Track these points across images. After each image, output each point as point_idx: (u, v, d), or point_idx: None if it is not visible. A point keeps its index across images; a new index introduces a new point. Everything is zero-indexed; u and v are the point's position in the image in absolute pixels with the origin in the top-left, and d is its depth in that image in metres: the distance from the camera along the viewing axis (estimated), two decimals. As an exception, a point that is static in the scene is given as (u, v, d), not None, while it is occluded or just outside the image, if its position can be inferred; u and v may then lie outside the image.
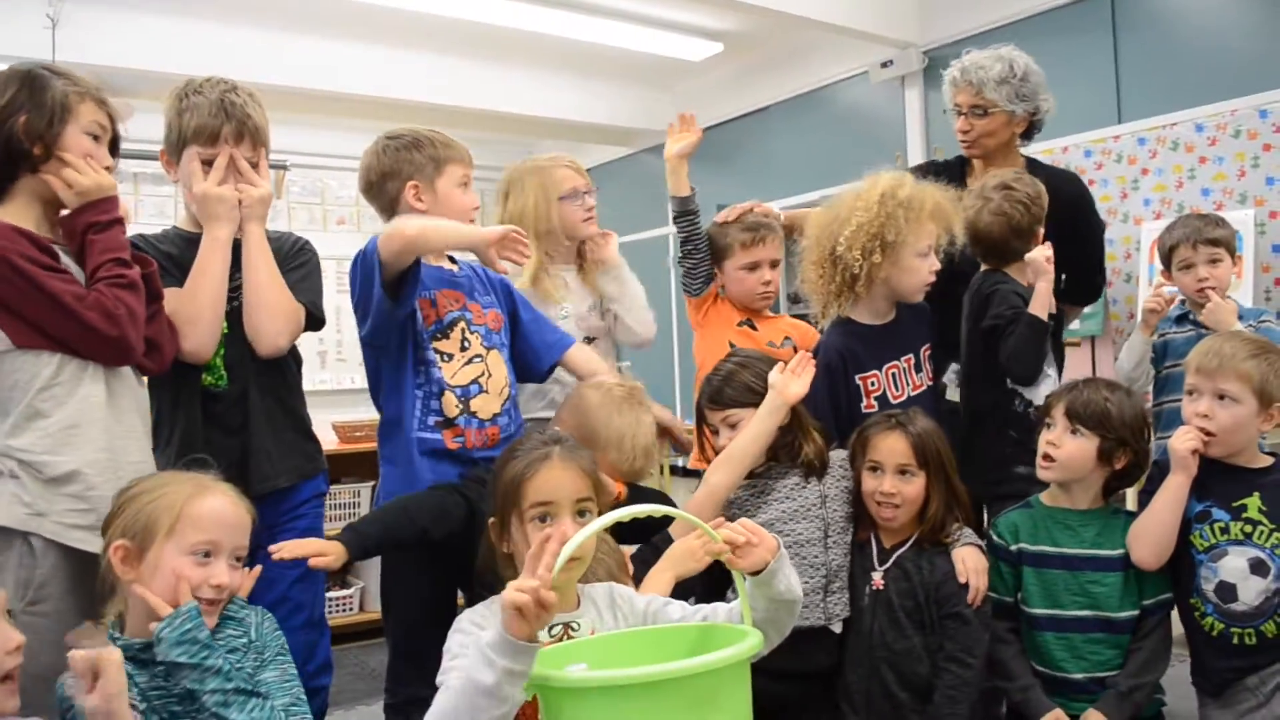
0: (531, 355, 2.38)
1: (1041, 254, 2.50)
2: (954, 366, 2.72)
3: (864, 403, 2.42)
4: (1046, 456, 2.17)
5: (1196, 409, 2.08)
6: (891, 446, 2.15)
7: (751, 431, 2.17)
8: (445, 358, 2.19)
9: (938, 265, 2.42)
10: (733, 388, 2.25)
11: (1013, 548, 2.20)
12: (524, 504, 1.66)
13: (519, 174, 2.70)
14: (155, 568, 1.60)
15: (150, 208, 7.40)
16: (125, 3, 5.64)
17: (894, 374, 2.44)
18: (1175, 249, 2.86)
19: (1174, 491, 2.06)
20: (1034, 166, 3.00)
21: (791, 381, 2.18)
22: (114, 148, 1.95)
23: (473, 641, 1.38)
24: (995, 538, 2.24)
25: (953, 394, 2.73)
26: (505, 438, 2.20)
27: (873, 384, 2.43)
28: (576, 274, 2.74)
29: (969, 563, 2.12)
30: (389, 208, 2.29)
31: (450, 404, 2.16)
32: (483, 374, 2.22)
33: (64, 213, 1.87)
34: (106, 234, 1.83)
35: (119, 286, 1.80)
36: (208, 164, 2.09)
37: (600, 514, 1.72)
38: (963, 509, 2.21)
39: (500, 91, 7.01)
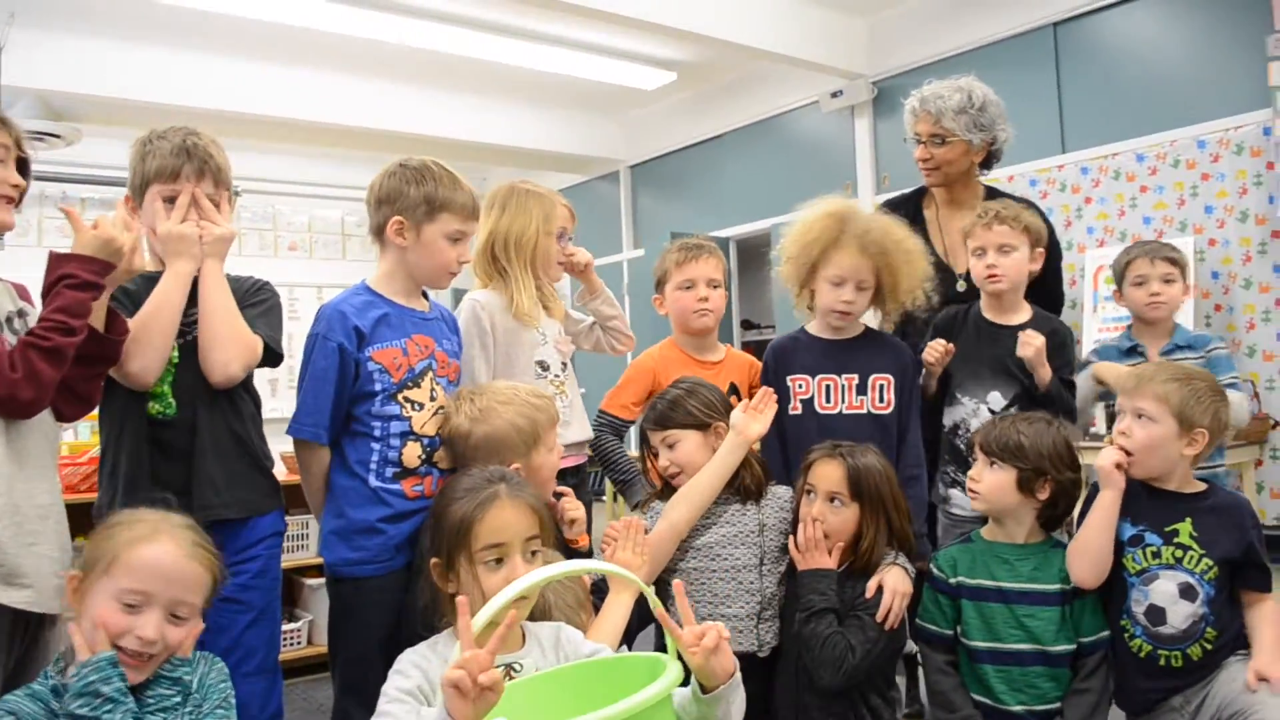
0: None
1: (931, 354, 2.59)
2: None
3: (790, 404, 2.46)
4: (973, 491, 2.23)
5: (1118, 427, 2.14)
6: (826, 473, 2.18)
7: (712, 468, 2.20)
8: (415, 406, 2.13)
9: (849, 297, 2.44)
10: (676, 412, 2.28)
11: (952, 581, 2.22)
12: (474, 545, 1.62)
13: (522, 195, 2.64)
14: (88, 606, 1.53)
15: (97, 234, 7.31)
16: (73, 28, 5.58)
17: (827, 386, 2.46)
18: (1132, 264, 2.88)
19: (1105, 508, 2.09)
20: (993, 195, 3.04)
21: (752, 422, 2.23)
22: (23, 169, 1.87)
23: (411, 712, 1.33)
24: (935, 571, 2.26)
25: None
26: None
27: (800, 387, 2.47)
28: (544, 312, 2.72)
29: (888, 581, 2.13)
30: (376, 232, 2.20)
31: (412, 454, 2.10)
32: (443, 425, 2.18)
33: (59, 251, 1.81)
34: (75, 293, 1.76)
35: (36, 349, 1.71)
36: (170, 201, 2.05)
37: (548, 549, 1.71)
38: (904, 547, 2.21)
39: (455, 119, 7.03)
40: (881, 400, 2.46)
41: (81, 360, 1.80)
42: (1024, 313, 2.65)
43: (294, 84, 6.36)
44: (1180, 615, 2.04)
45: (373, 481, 2.08)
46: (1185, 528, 2.08)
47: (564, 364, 2.65)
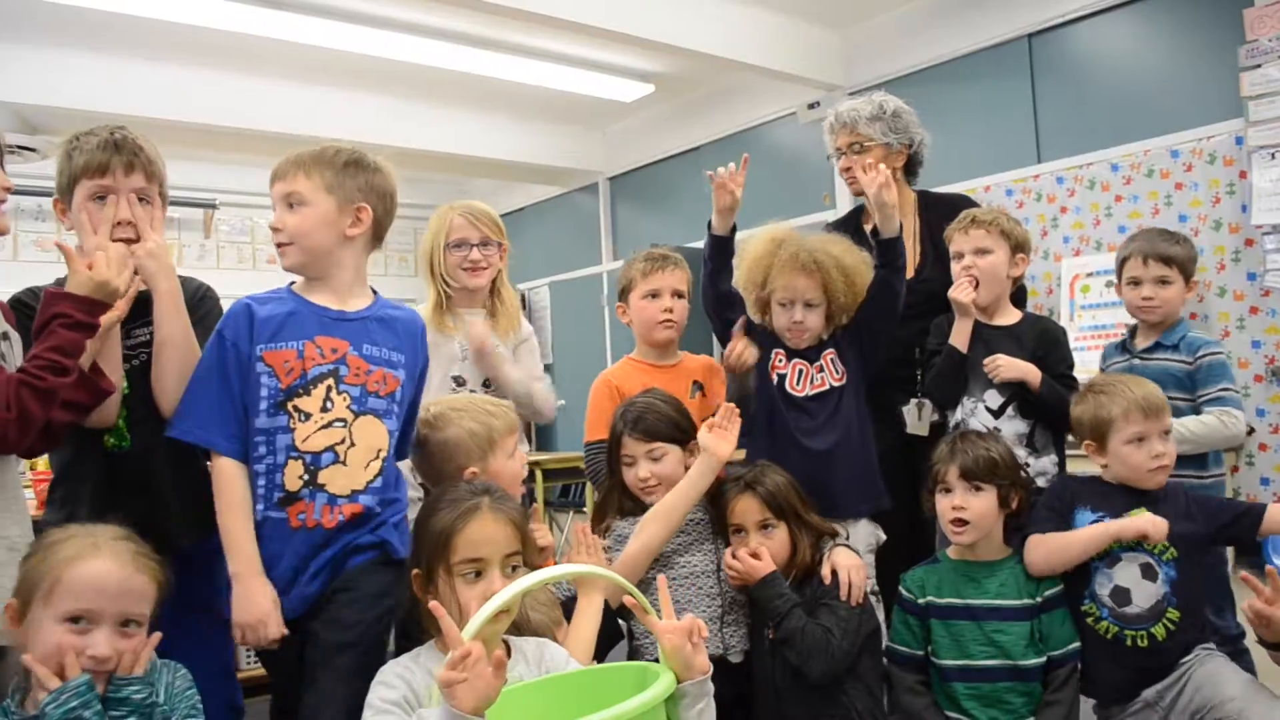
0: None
1: (957, 295, 2.63)
2: (914, 400, 2.81)
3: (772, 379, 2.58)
4: (958, 521, 2.20)
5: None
6: (747, 508, 2.25)
7: (684, 490, 2.23)
8: (302, 416, 1.85)
9: (798, 316, 2.51)
10: (663, 424, 2.32)
11: (920, 601, 2.24)
12: (453, 557, 1.61)
13: (433, 215, 2.75)
14: (33, 632, 1.49)
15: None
16: (47, 40, 5.54)
17: (800, 370, 2.56)
18: (1126, 262, 2.74)
19: (1096, 540, 2.13)
20: (927, 198, 3.14)
21: (721, 442, 2.25)
22: None
23: None
24: (903, 592, 2.29)
25: (914, 427, 2.80)
26: (370, 518, 1.89)
27: (780, 361, 2.57)
28: (486, 318, 2.71)
29: (839, 561, 2.21)
30: None
31: (293, 474, 1.83)
32: (342, 441, 1.87)
33: (54, 284, 1.79)
34: (69, 333, 1.72)
35: (30, 389, 1.67)
36: (100, 199, 1.95)
37: (528, 567, 1.70)
38: (832, 535, 2.30)
39: (435, 131, 7.01)
40: (838, 372, 2.55)
41: (67, 406, 1.76)
42: (1013, 314, 2.68)
43: (272, 96, 6.33)
44: (1145, 595, 2.10)
45: (265, 511, 1.86)
46: (1141, 513, 2.14)
47: (486, 381, 2.63)
